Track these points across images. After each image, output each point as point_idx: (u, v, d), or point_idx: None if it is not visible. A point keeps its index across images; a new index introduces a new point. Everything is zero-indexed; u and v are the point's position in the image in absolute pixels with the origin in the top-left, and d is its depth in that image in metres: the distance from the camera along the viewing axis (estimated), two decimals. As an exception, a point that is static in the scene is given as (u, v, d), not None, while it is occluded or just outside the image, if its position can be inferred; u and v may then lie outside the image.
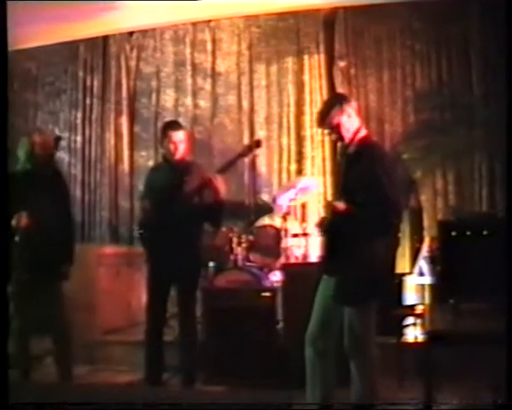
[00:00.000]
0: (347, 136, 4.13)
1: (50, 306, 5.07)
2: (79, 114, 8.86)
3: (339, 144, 4.40)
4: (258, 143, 5.45)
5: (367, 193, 3.89)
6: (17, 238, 4.78)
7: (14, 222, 4.80)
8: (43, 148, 5.16)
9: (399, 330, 5.45)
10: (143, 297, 5.53)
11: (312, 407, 4.11)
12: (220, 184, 5.16)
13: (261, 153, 7.67)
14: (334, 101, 4.30)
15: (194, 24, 8.39)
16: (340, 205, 3.96)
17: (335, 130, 4.14)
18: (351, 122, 4.16)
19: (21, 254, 4.73)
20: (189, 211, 5.17)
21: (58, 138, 5.22)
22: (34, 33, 8.47)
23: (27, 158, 5.09)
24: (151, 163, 7.82)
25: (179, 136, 5.37)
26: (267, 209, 6.90)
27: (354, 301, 3.99)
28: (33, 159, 5.09)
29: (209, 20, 8.32)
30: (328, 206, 4.10)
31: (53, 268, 5.08)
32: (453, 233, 4.26)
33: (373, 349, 4.04)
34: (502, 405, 3.53)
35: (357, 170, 3.98)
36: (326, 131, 4.39)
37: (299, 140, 7.88)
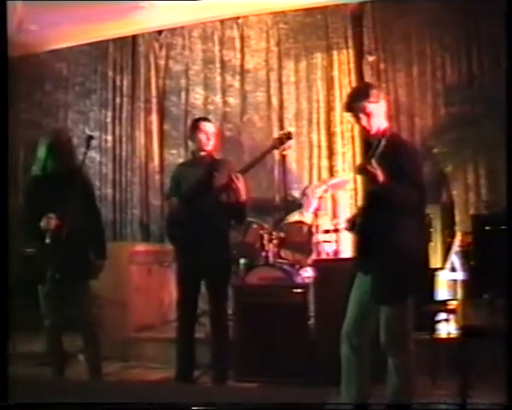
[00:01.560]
0: (374, 127, 4.09)
1: (81, 304, 5.10)
2: (109, 114, 8.93)
3: (366, 138, 4.31)
4: (289, 135, 5.42)
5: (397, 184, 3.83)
6: (48, 240, 4.80)
7: (43, 224, 4.83)
8: (63, 146, 5.18)
9: (432, 325, 5.41)
10: (175, 294, 5.54)
11: (348, 406, 4.09)
12: (241, 183, 5.14)
13: (291, 149, 7.67)
14: (370, 88, 4.24)
15: (222, 21, 8.40)
16: (379, 172, 3.83)
17: (366, 117, 4.08)
18: (381, 115, 4.12)
19: (52, 255, 4.75)
20: (216, 207, 5.17)
21: (90, 138, 5.23)
22: (64, 34, 8.55)
23: (48, 158, 5.10)
24: (181, 161, 7.83)
25: (210, 127, 5.41)
26: (297, 206, 6.88)
27: (392, 299, 3.95)
28: (54, 158, 5.10)
29: (237, 17, 8.33)
30: (366, 171, 3.96)
31: (84, 266, 5.11)
32: (487, 228, 4.22)
33: (410, 346, 4.00)
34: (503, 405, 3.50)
35: (386, 165, 3.91)
36: (352, 118, 4.31)
37: (330, 136, 7.83)
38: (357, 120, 4.14)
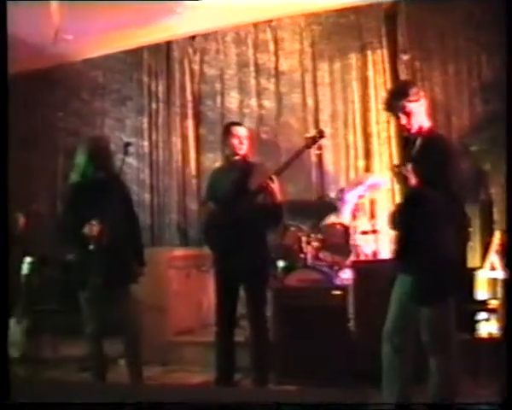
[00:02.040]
0: (415, 126, 4.06)
1: (122, 309, 5.14)
2: (145, 120, 9.01)
3: (405, 135, 4.26)
4: (321, 134, 5.41)
5: (434, 186, 3.80)
6: (92, 246, 4.85)
7: (86, 231, 4.87)
8: (102, 153, 5.23)
9: (472, 325, 5.36)
10: (214, 298, 5.56)
11: (389, 406, 4.07)
12: (276, 185, 5.14)
13: (328, 151, 7.66)
14: (409, 87, 4.19)
15: (255, 25, 8.42)
16: (411, 175, 3.83)
17: (405, 116, 4.05)
18: (421, 114, 4.09)
19: (94, 260, 4.80)
20: (253, 211, 5.18)
21: (127, 144, 5.27)
22: (99, 42, 8.63)
23: (88, 165, 5.15)
24: (218, 165, 7.85)
25: (242, 131, 5.44)
26: (335, 207, 6.86)
27: (432, 300, 3.92)
28: (94, 165, 5.15)
29: (270, 20, 8.33)
30: (399, 173, 3.94)
31: (125, 271, 5.17)
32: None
33: (452, 346, 3.97)
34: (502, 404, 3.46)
35: (424, 162, 3.88)
36: (392, 116, 4.28)
37: (366, 137, 7.79)
38: (397, 119, 4.11)
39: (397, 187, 7.25)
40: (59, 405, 2.53)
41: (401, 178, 3.88)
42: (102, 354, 5.22)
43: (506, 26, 4.08)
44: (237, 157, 5.41)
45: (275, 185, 5.13)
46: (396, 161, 7.40)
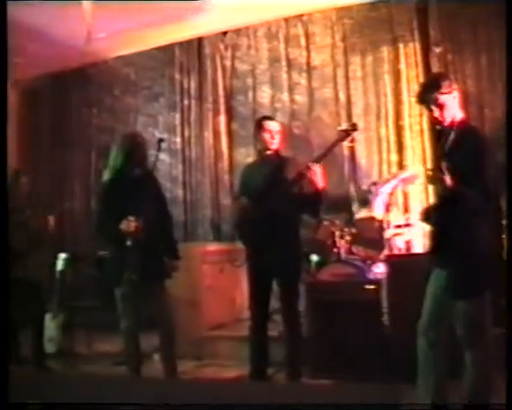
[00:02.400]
0: (448, 118, 4.02)
1: (157, 304, 5.17)
2: (178, 116, 9.06)
3: (437, 127, 4.22)
4: (354, 126, 5.38)
5: (468, 179, 3.76)
6: (129, 242, 4.88)
7: (123, 226, 4.90)
8: (139, 150, 5.25)
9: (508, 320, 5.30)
10: (247, 293, 5.57)
11: (424, 406, 4.05)
12: (317, 173, 5.12)
13: (360, 144, 7.64)
14: (441, 79, 4.16)
15: (286, 19, 8.41)
16: (447, 177, 3.77)
17: (438, 109, 4.02)
18: (454, 106, 4.05)
19: (130, 256, 4.83)
20: (286, 205, 5.16)
21: (160, 140, 5.31)
22: (131, 39, 8.68)
23: (124, 161, 5.18)
24: (250, 160, 7.86)
25: (274, 126, 5.43)
26: (368, 201, 6.84)
27: (468, 294, 3.90)
28: (129, 162, 5.18)
29: (301, 15, 8.33)
30: (434, 177, 3.91)
31: (160, 266, 5.22)
32: None
33: (488, 340, 3.94)
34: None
35: (458, 156, 3.85)
36: (425, 109, 4.26)
37: (398, 130, 7.75)
38: (430, 111, 4.08)
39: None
40: (62, 405, 2.55)
41: (436, 181, 3.85)
42: (138, 349, 5.25)
43: (506, 26, 4.04)
44: (269, 152, 5.41)
45: (316, 172, 5.10)
46: (429, 154, 7.36)
